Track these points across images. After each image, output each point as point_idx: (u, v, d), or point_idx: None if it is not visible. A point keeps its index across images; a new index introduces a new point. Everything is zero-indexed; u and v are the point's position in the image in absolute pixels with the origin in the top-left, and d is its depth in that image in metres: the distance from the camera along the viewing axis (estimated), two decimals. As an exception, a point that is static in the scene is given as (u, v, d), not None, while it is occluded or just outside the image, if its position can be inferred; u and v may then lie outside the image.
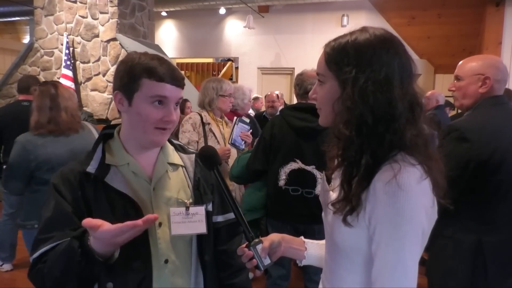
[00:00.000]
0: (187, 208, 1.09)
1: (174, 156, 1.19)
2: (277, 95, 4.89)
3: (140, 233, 0.91)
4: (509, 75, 1.81)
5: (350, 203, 0.84)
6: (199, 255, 1.14)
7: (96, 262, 0.91)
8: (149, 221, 0.86)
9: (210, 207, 1.18)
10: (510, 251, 1.61)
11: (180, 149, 1.23)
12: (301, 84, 2.31)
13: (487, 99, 1.70)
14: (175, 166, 1.18)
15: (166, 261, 1.08)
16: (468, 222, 1.64)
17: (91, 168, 1.05)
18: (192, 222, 1.08)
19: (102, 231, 0.86)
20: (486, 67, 1.72)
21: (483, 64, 1.73)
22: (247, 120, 2.87)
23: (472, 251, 1.61)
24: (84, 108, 5.11)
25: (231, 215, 1.23)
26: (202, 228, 1.09)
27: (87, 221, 0.86)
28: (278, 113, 4.61)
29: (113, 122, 5.03)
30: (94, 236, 0.89)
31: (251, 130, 2.85)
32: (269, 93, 4.92)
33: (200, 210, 1.10)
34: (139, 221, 0.86)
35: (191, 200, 1.13)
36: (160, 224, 1.08)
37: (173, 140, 1.24)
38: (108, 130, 1.16)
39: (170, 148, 1.20)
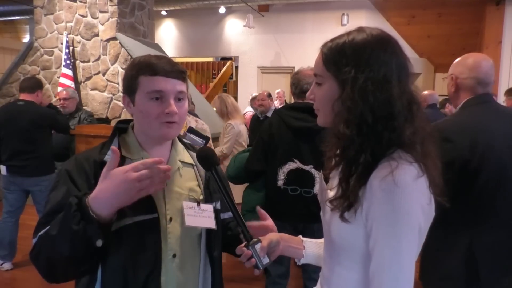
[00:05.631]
0: (198, 203, 1.12)
1: (185, 155, 1.22)
2: (268, 93, 5.01)
3: (157, 189, 0.98)
4: (509, 74, 1.80)
5: (348, 200, 0.85)
6: (208, 251, 1.16)
7: (91, 219, 0.90)
8: (165, 167, 0.95)
9: (218, 205, 1.20)
10: (502, 251, 1.59)
11: (190, 148, 1.25)
12: (297, 83, 2.28)
13: (470, 100, 1.67)
14: (186, 164, 1.20)
15: (174, 256, 1.09)
16: (459, 224, 1.61)
17: (108, 158, 1.06)
18: (203, 217, 1.11)
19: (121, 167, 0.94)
20: (455, 66, 1.72)
21: (454, 63, 1.73)
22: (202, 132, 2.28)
23: (464, 253, 1.59)
24: (84, 107, 5.10)
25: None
26: (212, 224, 1.11)
27: (116, 150, 0.95)
28: (269, 112, 4.68)
29: (112, 122, 5.03)
30: (108, 170, 0.94)
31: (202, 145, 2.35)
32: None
33: (209, 208, 1.13)
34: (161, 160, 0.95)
35: (201, 197, 1.16)
36: (170, 219, 1.09)
37: (183, 138, 1.26)
38: (121, 125, 1.18)
39: (181, 146, 1.23)
